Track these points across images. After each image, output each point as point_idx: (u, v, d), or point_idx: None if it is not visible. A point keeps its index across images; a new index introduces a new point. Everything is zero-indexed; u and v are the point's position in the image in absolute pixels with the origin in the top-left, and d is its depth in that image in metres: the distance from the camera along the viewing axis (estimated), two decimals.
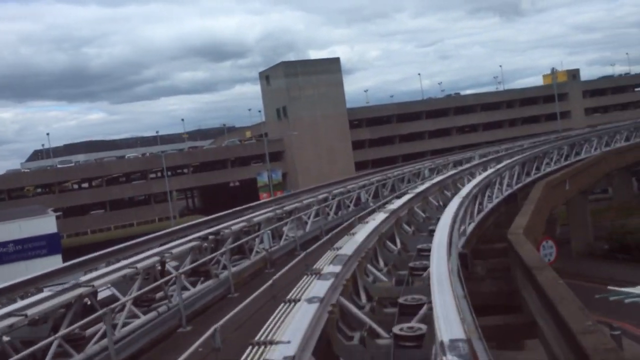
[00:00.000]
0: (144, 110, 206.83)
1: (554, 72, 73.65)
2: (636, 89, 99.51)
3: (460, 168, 27.39)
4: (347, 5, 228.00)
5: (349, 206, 23.22)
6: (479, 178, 21.04)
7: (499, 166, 24.98)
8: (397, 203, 14.75)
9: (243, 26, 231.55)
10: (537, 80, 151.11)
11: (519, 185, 26.12)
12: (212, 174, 67.74)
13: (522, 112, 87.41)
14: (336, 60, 72.78)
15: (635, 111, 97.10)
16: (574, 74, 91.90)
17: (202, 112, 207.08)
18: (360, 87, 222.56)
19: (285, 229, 17.35)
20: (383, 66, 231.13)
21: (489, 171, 23.27)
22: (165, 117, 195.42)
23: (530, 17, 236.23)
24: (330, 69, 71.34)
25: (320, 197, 22.21)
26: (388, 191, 26.79)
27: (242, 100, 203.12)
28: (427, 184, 19.73)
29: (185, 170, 69.17)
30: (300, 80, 69.40)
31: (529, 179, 27.91)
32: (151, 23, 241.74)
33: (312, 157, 69.38)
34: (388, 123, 79.86)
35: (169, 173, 63.23)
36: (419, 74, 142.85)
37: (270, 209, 18.79)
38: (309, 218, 19.11)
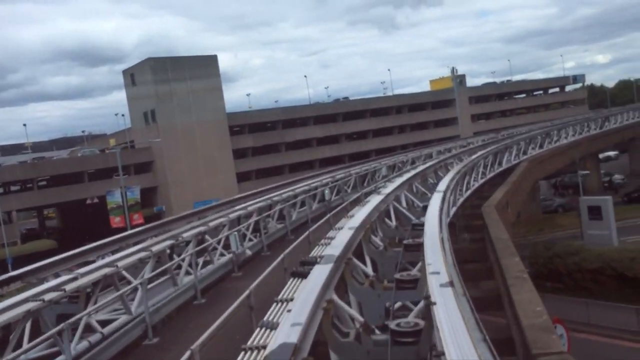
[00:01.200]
0: (9, 117, 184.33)
1: (454, 71, 69.92)
2: (516, 96, 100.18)
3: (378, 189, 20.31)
4: (229, 12, 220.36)
5: None
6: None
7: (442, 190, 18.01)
8: None
9: (120, 30, 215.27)
10: (415, 91, 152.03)
11: (454, 210, 19.46)
12: (63, 190, 56.18)
13: (411, 118, 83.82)
14: (213, 58, 64.17)
15: (517, 117, 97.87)
16: (460, 79, 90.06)
17: (75, 119, 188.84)
18: (244, 94, 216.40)
19: None
20: (267, 74, 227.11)
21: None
22: (35, 124, 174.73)
23: (405, 31, 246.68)
24: (206, 68, 62.63)
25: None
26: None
27: (119, 107, 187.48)
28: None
29: (31, 185, 57.05)
30: (172, 80, 60.07)
31: (461, 199, 21.42)
32: (19, 24, 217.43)
33: (188, 168, 60.31)
34: (273, 129, 72.55)
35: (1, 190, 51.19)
36: (305, 76, 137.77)
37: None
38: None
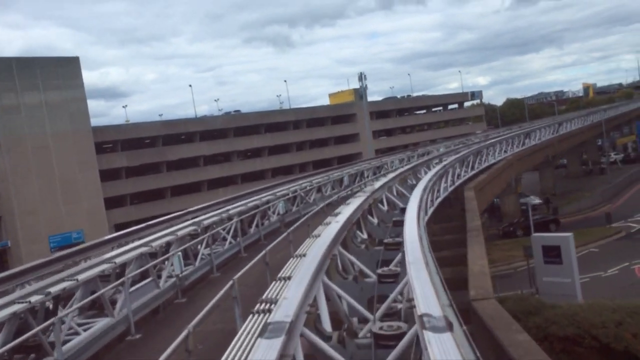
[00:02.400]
0: None
1: (363, 78, 63.24)
2: (417, 112, 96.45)
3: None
4: (119, 26, 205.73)
5: None
6: None
7: None
8: None
9: None
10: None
11: None
12: None
13: (311, 134, 76.70)
14: (74, 61, 53.19)
15: (418, 134, 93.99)
16: (361, 93, 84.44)
17: None
18: (135, 110, 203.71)
19: None
20: (160, 90, 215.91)
21: None
22: None
23: (300, 49, 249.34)
24: (66, 72, 51.66)
25: None
26: None
27: None
28: None
29: None
30: (19, 84, 48.65)
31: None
32: None
33: (41, 193, 48.99)
34: (152, 146, 62.42)
35: None
36: (190, 85, 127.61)
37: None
38: None
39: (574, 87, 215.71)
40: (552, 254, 23.31)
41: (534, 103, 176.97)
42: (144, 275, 12.62)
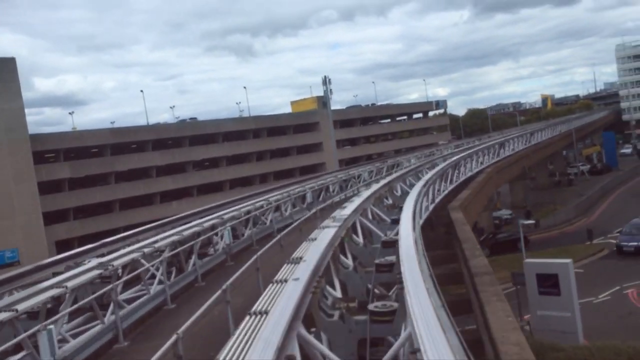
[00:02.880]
0: None
1: (326, 81, 59.63)
2: (381, 121, 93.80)
3: None
4: (77, 32, 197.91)
5: None
6: None
7: None
8: None
9: None
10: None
11: None
12: None
13: (272, 143, 72.92)
14: (9, 62, 48.22)
15: (382, 144, 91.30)
16: (324, 100, 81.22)
17: None
18: (95, 119, 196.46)
19: None
20: (120, 98, 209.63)
21: None
22: None
23: (263, 59, 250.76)
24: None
25: None
26: None
27: None
28: None
29: None
30: None
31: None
32: None
33: None
34: (100, 156, 57.58)
35: None
36: (142, 91, 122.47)
37: None
38: None
39: (531, 99, 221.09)
40: (548, 283, 20.19)
41: (495, 113, 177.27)
42: None
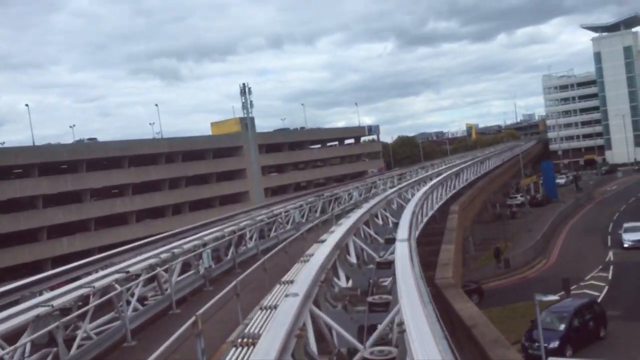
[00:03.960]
0: None
1: (246, 90, 50.80)
2: (311, 147, 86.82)
3: None
4: None
5: None
6: None
7: None
8: None
9: None
10: None
11: None
12: None
13: (187, 168, 64.05)
14: None
15: (312, 171, 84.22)
16: (247, 122, 73.27)
17: None
18: (9, 141, 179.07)
19: None
20: (37, 120, 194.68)
21: None
22: None
23: (189, 83, 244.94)
24: None
25: None
26: None
27: None
28: None
29: None
30: None
31: None
32: None
33: None
34: None
35: None
36: (26, 105, 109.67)
37: None
38: None
39: (452, 129, 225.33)
40: None
41: (424, 141, 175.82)
42: None
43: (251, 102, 44.06)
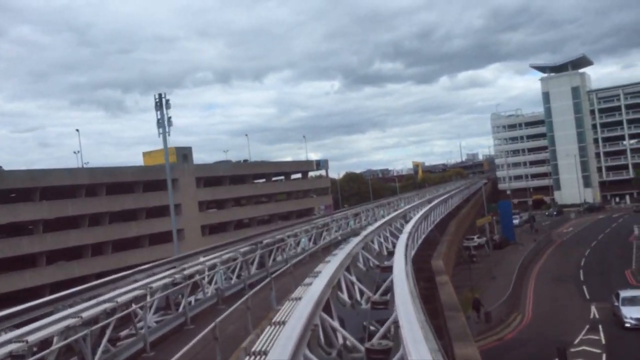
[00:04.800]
0: None
1: (162, 101, 43.54)
2: (256, 181, 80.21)
3: None
4: None
5: None
6: None
7: None
8: None
9: None
10: None
11: None
12: None
13: (112, 203, 56.21)
14: None
15: (255, 207, 77.47)
16: (185, 153, 66.29)
17: None
18: None
19: None
20: None
21: None
22: None
23: (134, 115, 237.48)
24: None
25: None
26: None
27: None
28: None
29: None
30: None
31: None
32: None
33: None
34: None
35: None
36: None
37: None
38: None
39: (397, 166, 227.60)
40: None
41: (373, 178, 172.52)
42: None
43: (169, 118, 36.77)
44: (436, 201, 36.77)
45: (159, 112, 34.85)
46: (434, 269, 16.80)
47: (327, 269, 11.67)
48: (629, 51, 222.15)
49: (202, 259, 17.88)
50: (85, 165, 67.34)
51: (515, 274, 46.39)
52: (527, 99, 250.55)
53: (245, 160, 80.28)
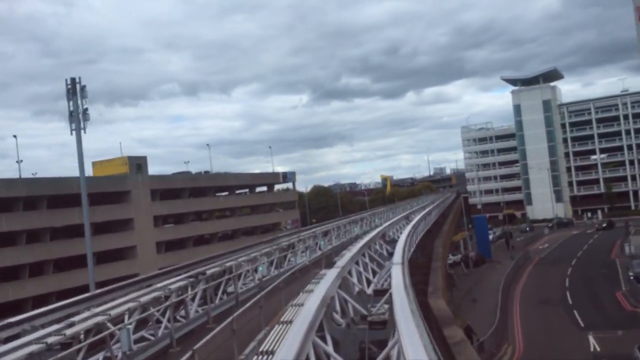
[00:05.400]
0: None
1: (76, 87, 37.59)
2: (218, 194, 75.04)
3: None
4: None
5: None
6: None
7: None
8: None
9: None
10: None
11: None
12: None
13: (54, 217, 50.50)
14: None
15: (217, 222, 72.33)
16: (139, 163, 60.84)
17: None
18: None
19: None
20: None
21: None
22: None
23: (98, 127, 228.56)
24: None
25: None
26: None
27: None
28: None
29: None
30: None
31: None
32: None
33: None
34: None
35: None
36: None
37: None
38: None
39: (365, 180, 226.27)
40: None
41: (341, 192, 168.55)
42: None
43: (86, 109, 31.43)
44: (417, 218, 32.46)
45: (71, 103, 29.29)
46: (437, 316, 12.29)
47: (291, 336, 7.13)
48: (588, 70, 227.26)
49: (109, 305, 12.78)
50: (34, 176, 61.19)
51: (499, 296, 42.41)
52: (491, 115, 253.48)
53: (206, 172, 75.00)
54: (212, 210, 70.87)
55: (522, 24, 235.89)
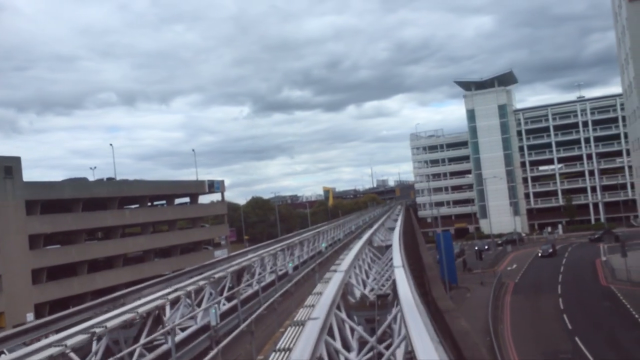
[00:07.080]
0: None
1: None
2: (126, 207, 60.51)
3: None
4: None
5: None
6: None
7: None
8: None
9: None
10: None
11: None
12: None
13: None
14: None
15: (122, 242, 57.92)
16: (7, 165, 45.92)
17: None
18: None
19: None
20: None
21: None
22: None
23: (29, 136, 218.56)
24: None
25: None
26: None
27: None
28: None
29: None
30: None
31: None
32: None
33: None
34: None
35: None
36: None
37: None
38: None
39: (307, 193, 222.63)
40: None
41: (281, 204, 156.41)
42: None
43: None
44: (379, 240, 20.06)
45: None
46: None
47: None
48: (520, 87, 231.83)
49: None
50: None
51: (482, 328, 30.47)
52: (428, 129, 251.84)
53: (109, 179, 60.29)
54: (114, 226, 56.37)
55: (457, 42, 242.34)
